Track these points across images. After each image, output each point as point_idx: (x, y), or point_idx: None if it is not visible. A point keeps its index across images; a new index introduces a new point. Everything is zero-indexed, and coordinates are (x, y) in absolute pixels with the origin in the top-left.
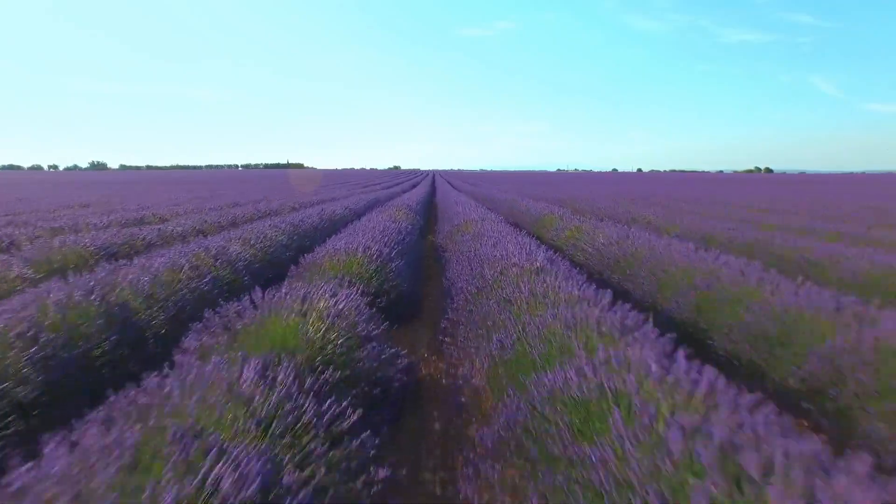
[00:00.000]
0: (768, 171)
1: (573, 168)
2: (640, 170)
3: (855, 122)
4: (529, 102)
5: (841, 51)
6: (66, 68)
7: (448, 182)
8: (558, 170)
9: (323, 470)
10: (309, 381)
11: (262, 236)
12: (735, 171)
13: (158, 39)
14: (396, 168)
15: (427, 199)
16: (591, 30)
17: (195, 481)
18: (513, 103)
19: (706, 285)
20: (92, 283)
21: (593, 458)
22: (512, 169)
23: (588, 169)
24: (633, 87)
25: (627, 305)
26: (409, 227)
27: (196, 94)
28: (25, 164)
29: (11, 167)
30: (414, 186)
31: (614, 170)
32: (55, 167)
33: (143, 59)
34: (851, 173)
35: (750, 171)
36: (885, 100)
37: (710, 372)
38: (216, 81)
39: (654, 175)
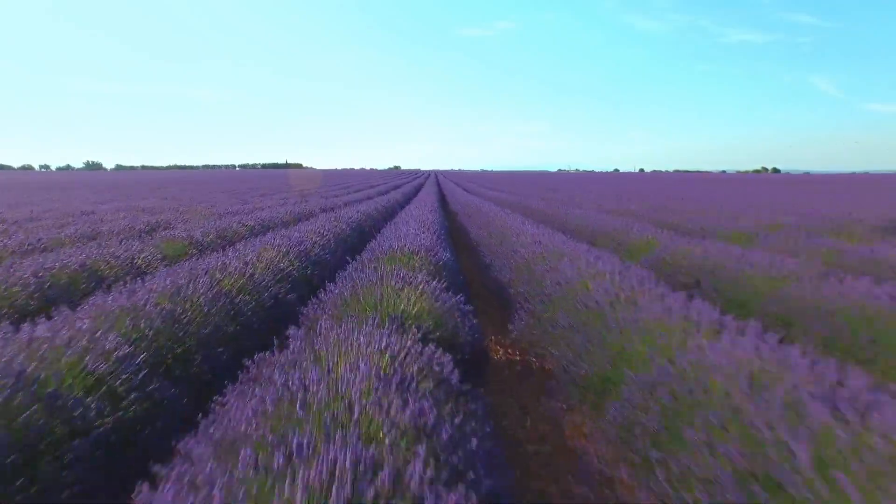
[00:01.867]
0: (775, 171)
1: (573, 168)
2: (641, 170)
3: (855, 123)
4: (529, 102)
5: (840, 51)
6: (62, 67)
7: (458, 185)
8: (559, 170)
9: None
10: None
11: None
12: (738, 171)
13: (155, 38)
14: (396, 168)
15: (441, 226)
16: (592, 30)
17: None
18: (513, 103)
19: None
20: None
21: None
22: (512, 169)
23: (589, 169)
24: (634, 87)
25: None
26: None
27: (195, 94)
28: (16, 164)
29: (1, 167)
30: (418, 190)
31: (615, 170)
32: (47, 167)
33: (141, 58)
34: (854, 173)
35: (757, 171)
36: (885, 100)
37: None
38: (216, 81)
39: (664, 176)
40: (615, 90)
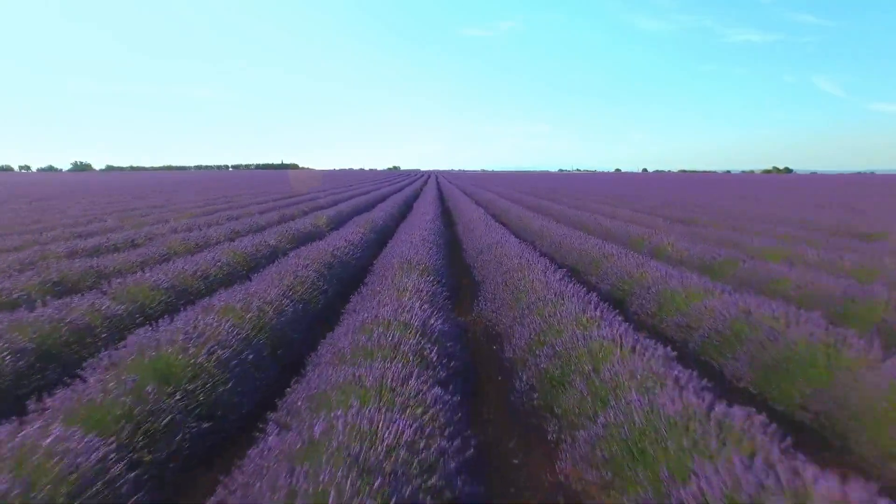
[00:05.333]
0: (787, 170)
1: (575, 168)
2: (645, 170)
3: (860, 122)
4: (531, 103)
5: (844, 51)
6: (58, 67)
7: (473, 199)
8: (560, 170)
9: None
10: None
11: None
12: (743, 171)
13: (152, 37)
14: (396, 168)
15: None
16: (595, 30)
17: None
18: (514, 104)
19: None
20: None
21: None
22: (512, 169)
23: (591, 170)
24: (636, 88)
25: None
26: None
27: (195, 94)
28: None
29: None
30: (409, 209)
31: (617, 170)
32: (27, 168)
33: (139, 57)
34: (859, 173)
35: (767, 172)
36: (890, 99)
37: None
38: (214, 81)
39: (672, 176)
40: (617, 90)
